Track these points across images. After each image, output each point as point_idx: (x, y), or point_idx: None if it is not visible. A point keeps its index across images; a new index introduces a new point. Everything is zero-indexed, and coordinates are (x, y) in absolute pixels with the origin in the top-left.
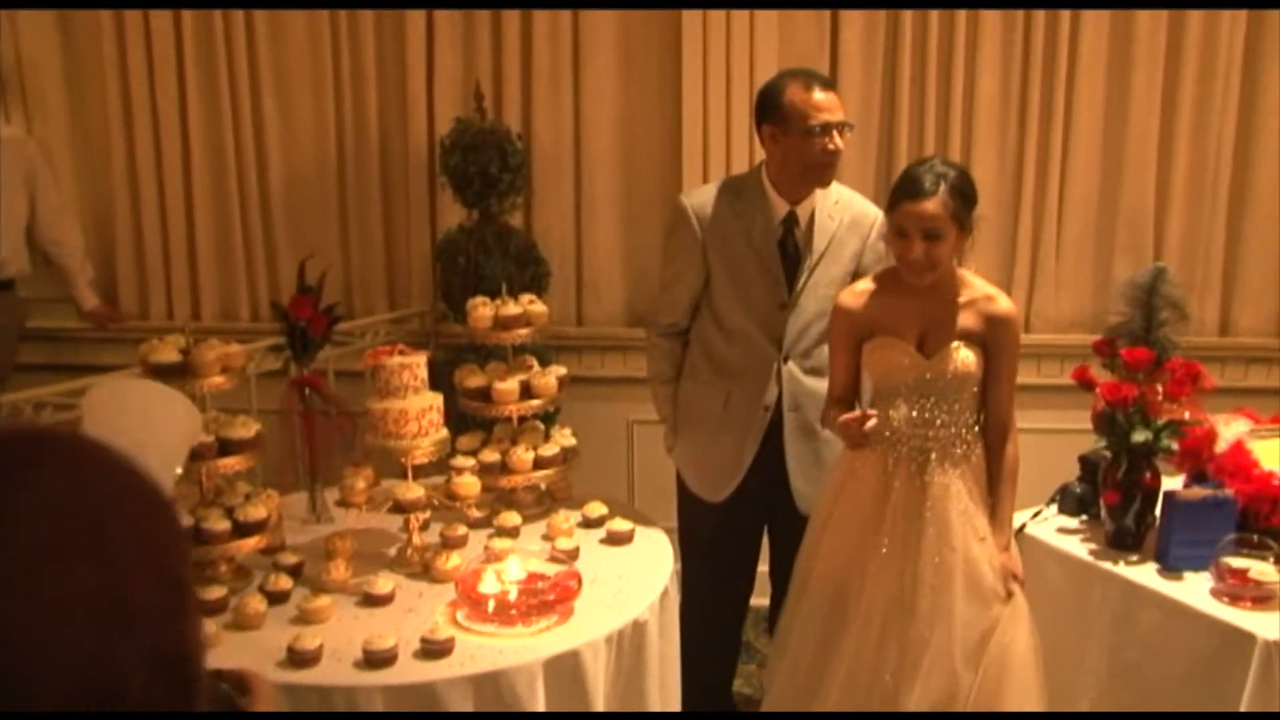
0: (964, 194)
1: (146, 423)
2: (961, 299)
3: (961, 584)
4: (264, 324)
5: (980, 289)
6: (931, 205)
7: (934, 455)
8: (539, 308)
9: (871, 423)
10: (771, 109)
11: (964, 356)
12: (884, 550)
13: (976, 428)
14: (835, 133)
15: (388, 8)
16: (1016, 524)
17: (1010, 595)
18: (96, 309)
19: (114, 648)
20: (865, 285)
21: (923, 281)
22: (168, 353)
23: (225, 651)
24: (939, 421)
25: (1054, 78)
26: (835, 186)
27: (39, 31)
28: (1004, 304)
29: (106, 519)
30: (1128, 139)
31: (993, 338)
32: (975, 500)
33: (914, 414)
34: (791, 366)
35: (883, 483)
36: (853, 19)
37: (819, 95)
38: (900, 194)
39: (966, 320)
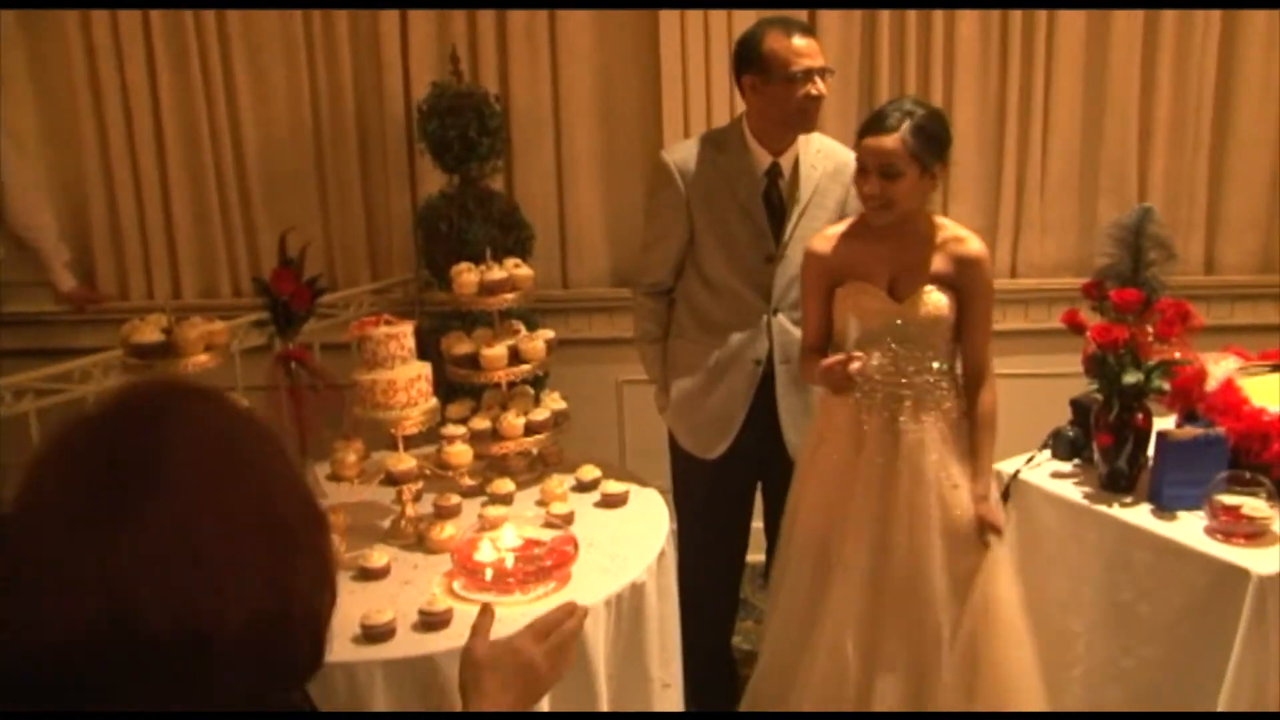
0: (929, 134)
1: None
2: (934, 241)
3: (938, 530)
4: (246, 299)
5: (951, 231)
6: (889, 141)
7: (907, 403)
8: (524, 271)
9: (855, 365)
10: (751, 58)
11: (935, 300)
12: (861, 500)
13: (951, 375)
14: (817, 78)
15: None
16: (1010, 470)
17: (987, 545)
18: (74, 291)
19: (287, 563)
20: (836, 230)
21: (879, 220)
22: (150, 333)
23: None
24: (911, 368)
25: (1034, 20)
26: (816, 135)
27: (3, 12)
28: (973, 245)
29: (250, 451)
30: (1109, 80)
31: (962, 280)
32: (950, 448)
33: (886, 360)
34: (781, 319)
35: (857, 431)
36: None
37: (799, 41)
38: (863, 129)
39: (938, 264)
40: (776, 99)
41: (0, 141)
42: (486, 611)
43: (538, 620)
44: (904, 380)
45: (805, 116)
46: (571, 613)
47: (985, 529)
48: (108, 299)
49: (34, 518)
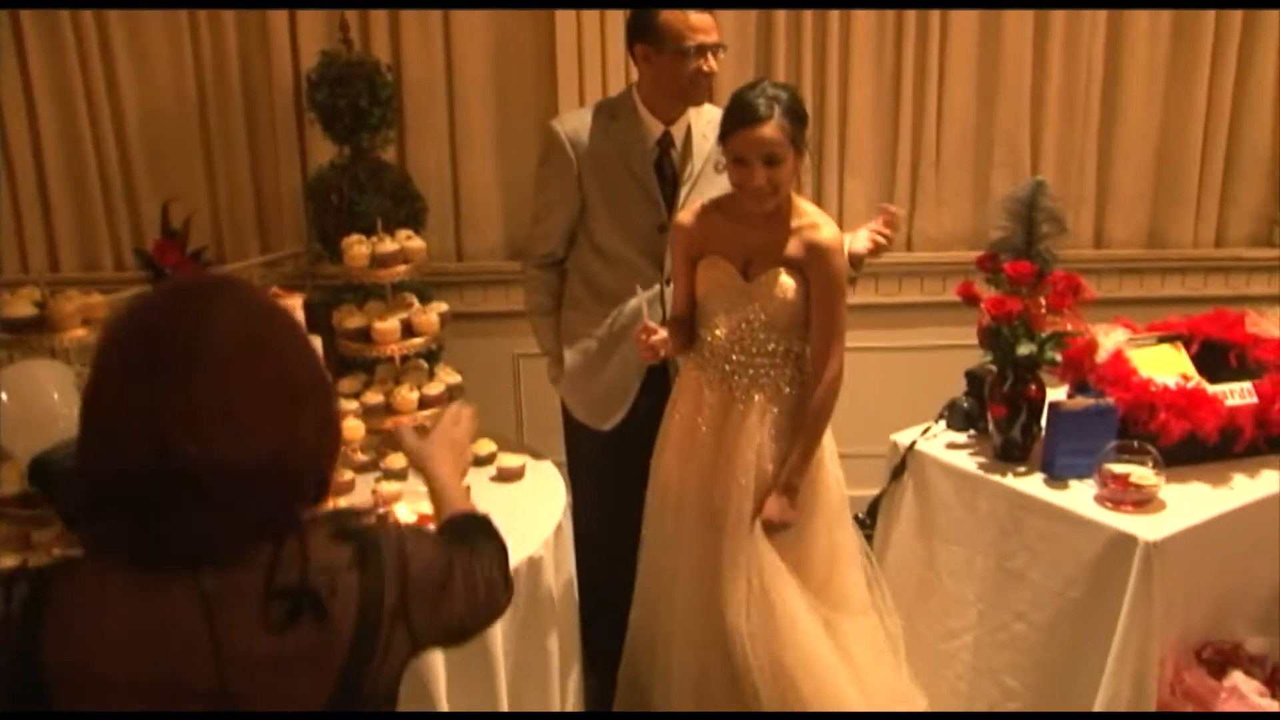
0: (797, 115)
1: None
2: (790, 225)
3: (749, 509)
4: (130, 272)
5: (809, 217)
6: (769, 130)
7: (744, 380)
8: (416, 244)
9: (657, 336)
10: (645, 29)
11: (783, 283)
12: (695, 466)
13: (797, 360)
14: (710, 54)
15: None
16: (905, 441)
17: (768, 530)
18: None
19: (297, 417)
20: (704, 204)
21: (765, 208)
22: (21, 306)
23: None
24: (753, 347)
25: None
26: (708, 107)
27: None
28: (825, 233)
29: (270, 329)
30: (1002, 56)
31: (810, 266)
32: (776, 431)
33: (729, 337)
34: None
35: (699, 401)
36: None
37: (694, 17)
38: (735, 121)
39: (791, 247)
40: (667, 70)
41: None
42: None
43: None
44: (743, 358)
45: (696, 90)
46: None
47: (754, 512)
48: None
49: (105, 380)
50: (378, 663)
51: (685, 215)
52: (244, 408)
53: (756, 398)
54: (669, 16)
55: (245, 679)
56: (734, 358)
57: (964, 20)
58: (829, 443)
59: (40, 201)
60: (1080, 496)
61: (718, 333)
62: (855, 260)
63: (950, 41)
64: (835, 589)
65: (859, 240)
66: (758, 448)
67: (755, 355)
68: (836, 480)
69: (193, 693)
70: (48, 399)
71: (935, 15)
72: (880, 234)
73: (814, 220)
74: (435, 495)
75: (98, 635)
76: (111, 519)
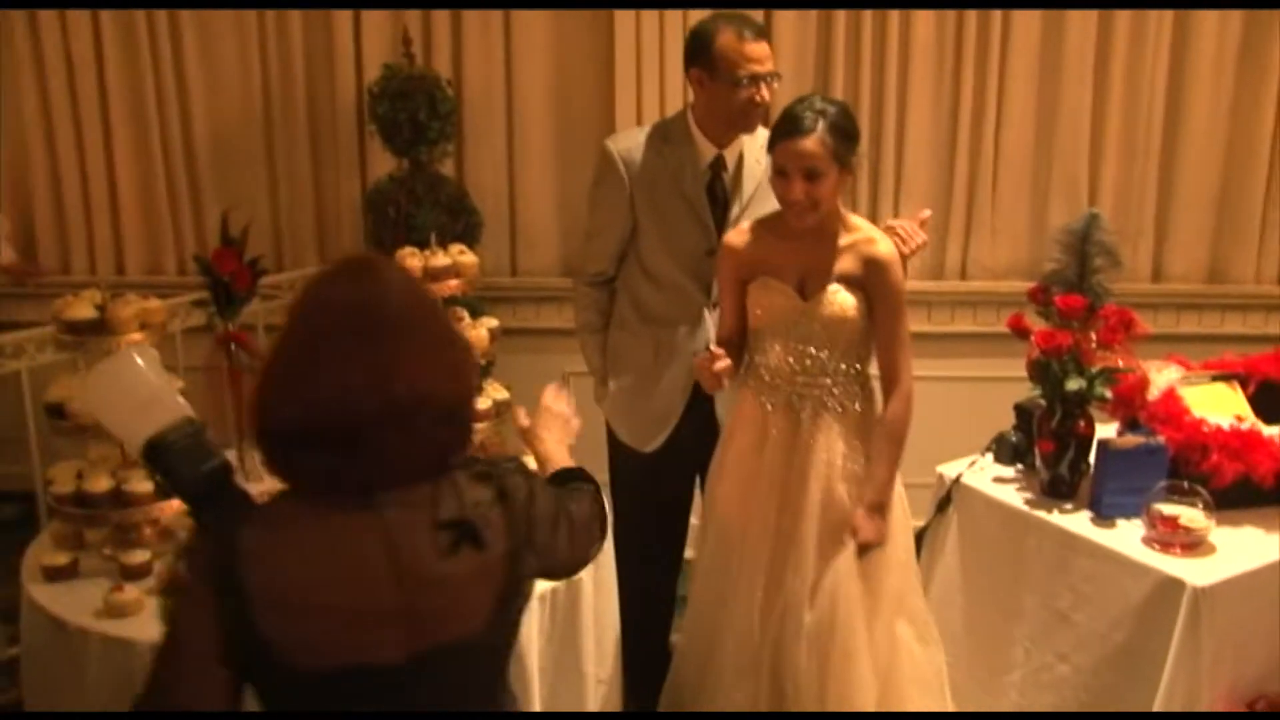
0: (844, 131)
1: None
2: (843, 242)
3: (819, 532)
4: (191, 278)
5: (863, 232)
6: (809, 143)
7: (809, 402)
8: (469, 259)
9: (720, 364)
10: (701, 53)
11: (842, 300)
12: (763, 495)
13: (861, 377)
14: (763, 83)
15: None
16: (952, 474)
17: (855, 547)
18: (13, 264)
19: (463, 364)
20: (750, 225)
21: (805, 223)
22: (83, 309)
23: (148, 618)
24: (816, 368)
25: (989, 22)
26: (762, 131)
27: None
28: (882, 247)
29: (425, 292)
30: (1062, 85)
31: (869, 282)
32: (848, 450)
33: (790, 359)
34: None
35: (762, 427)
36: None
37: (750, 46)
38: (779, 132)
39: (846, 263)
40: (720, 97)
41: None
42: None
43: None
44: (806, 379)
45: (747, 119)
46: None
47: (851, 530)
48: (48, 273)
49: (307, 340)
50: (519, 588)
51: (733, 236)
52: (430, 354)
53: (823, 418)
54: (724, 43)
55: (424, 599)
56: (797, 379)
57: (1024, 47)
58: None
59: (109, 205)
60: (1128, 537)
61: (778, 355)
62: None
63: (1010, 68)
64: (906, 609)
65: None
66: (828, 469)
67: (818, 375)
68: (902, 499)
69: (381, 612)
70: (152, 383)
71: (995, 40)
72: (903, 230)
73: (868, 235)
74: (542, 459)
75: (295, 565)
76: (319, 455)
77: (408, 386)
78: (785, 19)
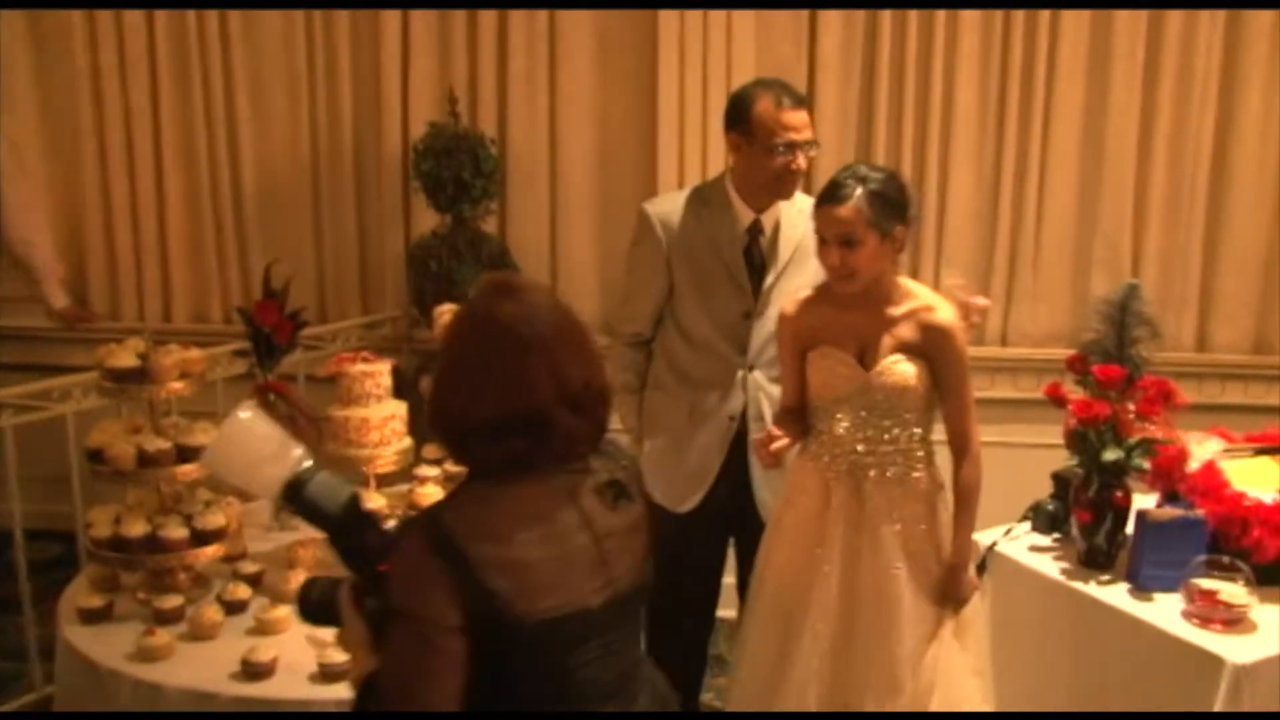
0: (885, 199)
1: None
2: (901, 310)
3: (898, 600)
4: (236, 326)
5: (922, 299)
6: (845, 211)
7: (873, 471)
8: None
9: (779, 444)
10: (739, 118)
11: (903, 370)
12: (826, 566)
13: (924, 444)
14: (799, 152)
15: (361, 7)
16: (987, 541)
17: (949, 613)
18: (66, 309)
19: (600, 357)
20: (808, 294)
21: (846, 289)
22: (125, 358)
23: (178, 663)
24: (878, 436)
25: (1031, 90)
26: (800, 195)
27: (9, 27)
28: (942, 315)
29: (562, 302)
30: (1105, 153)
31: (931, 349)
32: (915, 518)
33: (852, 428)
34: (757, 376)
35: (824, 496)
36: (831, 26)
37: (788, 114)
38: (820, 199)
39: (905, 331)
40: (756, 162)
41: (3, 159)
42: None
43: None
44: (868, 447)
45: (782, 185)
46: None
47: (947, 598)
48: (99, 318)
49: (479, 349)
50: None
51: (790, 305)
52: (579, 349)
53: (886, 487)
54: (762, 110)
55: (609, 545)
56: (859, 448)
57: (1067, 111)
58: None
59: (159, 254)
60: (1166, 611)
61: (840, 424)
62: None
63: (1053, 134)
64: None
65: None
66: (900, 535)
67: (881, 444)
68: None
69: (582, 560)
70: (276, 434)
71: (1038, 105)
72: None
73: (928, 302)
74: None
75: (505, 529)
76: (512, 441)
77: (578, 378)
78: (826, 81)
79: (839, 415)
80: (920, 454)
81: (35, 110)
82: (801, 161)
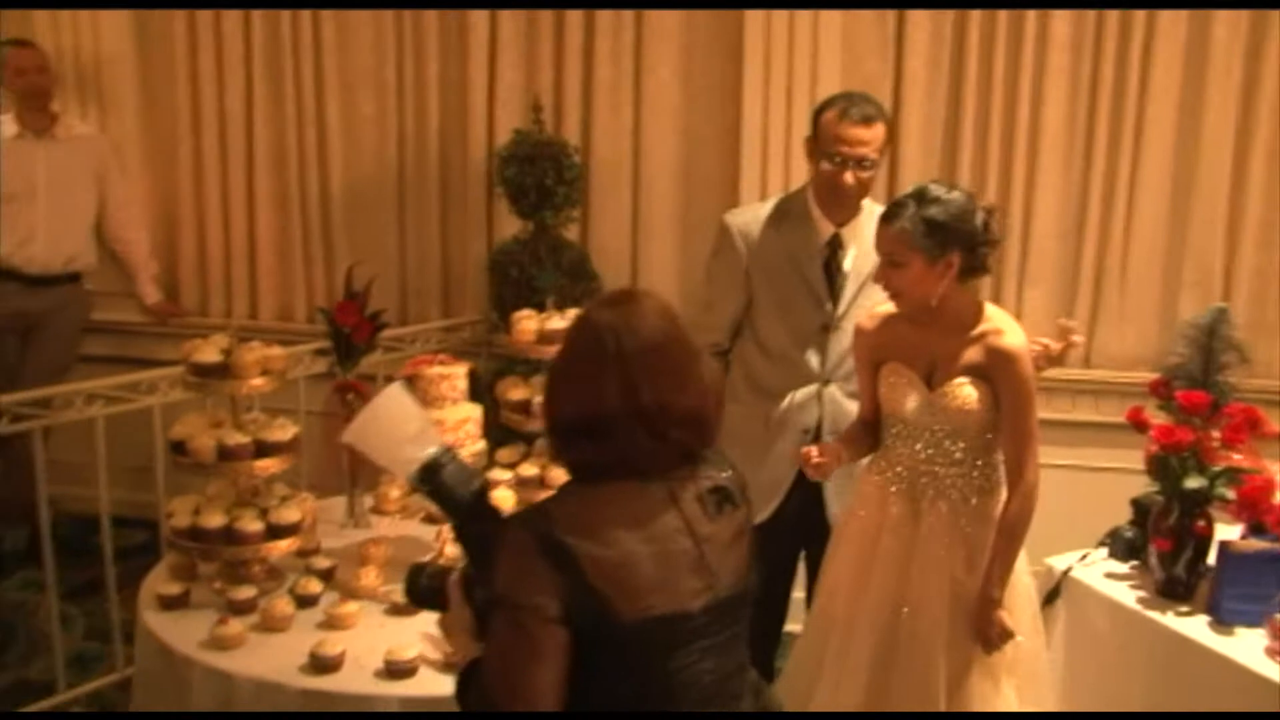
0: (937, 223)
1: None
2: (973, 332)
3: (943, 621)
4: (319, 326)
5: (994, 323)
6: (891, 230)
7: (931, 492)
8: None
9: (819, 459)
10: (812, 126)
11: (965, 394)
12: (876, 579)
13: (984, 469)
14: (855, 168)
15: (449, 7)
16: (1061, 566)
17: (987, 648)
18: (158, 304)
19: (704, 384)
20: (884, 309)
21: (900, 308)
22: (210, 353)
23: (248, 652)
24: (939, 457)
25: (1123, 107)
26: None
27: (116, 32)
28: (1008, 340)
29: (675, 321)
30: (1198, 172)
31: (993, 372)
32: (967, 541)
33: (915, 446)
34: (833, 389)
35: (883, 509)
36: (918, 42)
37: (849, 128)
38: (880, 216)
39: (973, 354)
40: (818, 170)
41: (106, 159)
42: None
43: None
44: (929, 467)
45: (835, 197)
46: None
47: (982, 634)
48: (188, 314)
49: (588, 356)
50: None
51: (867, 320)
52: (672, 373)
53: (943, 508)
54: (826, 119)
55: (711, 550)
56: (920, 467)
57: (1159, 128)
58: (1021, 554)
59: (248, 254)
60: (1249, 646)
61: (903, 442)
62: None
63: (1143, 152)
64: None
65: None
66: (949, 559)
67: (941, 464)
68: (1028, 591)
69: (684, 562)
70: (421, 415)
71: (1129, 123)
72: (1047, 348)
73: (997, 326)
74: None
75: (609, 529)
76: (593, 445)
77: (651, 398)
78: (913, 95)
79: (903, 432)
80: (979, 480)
81: (136, 113)
82: (849, 178)
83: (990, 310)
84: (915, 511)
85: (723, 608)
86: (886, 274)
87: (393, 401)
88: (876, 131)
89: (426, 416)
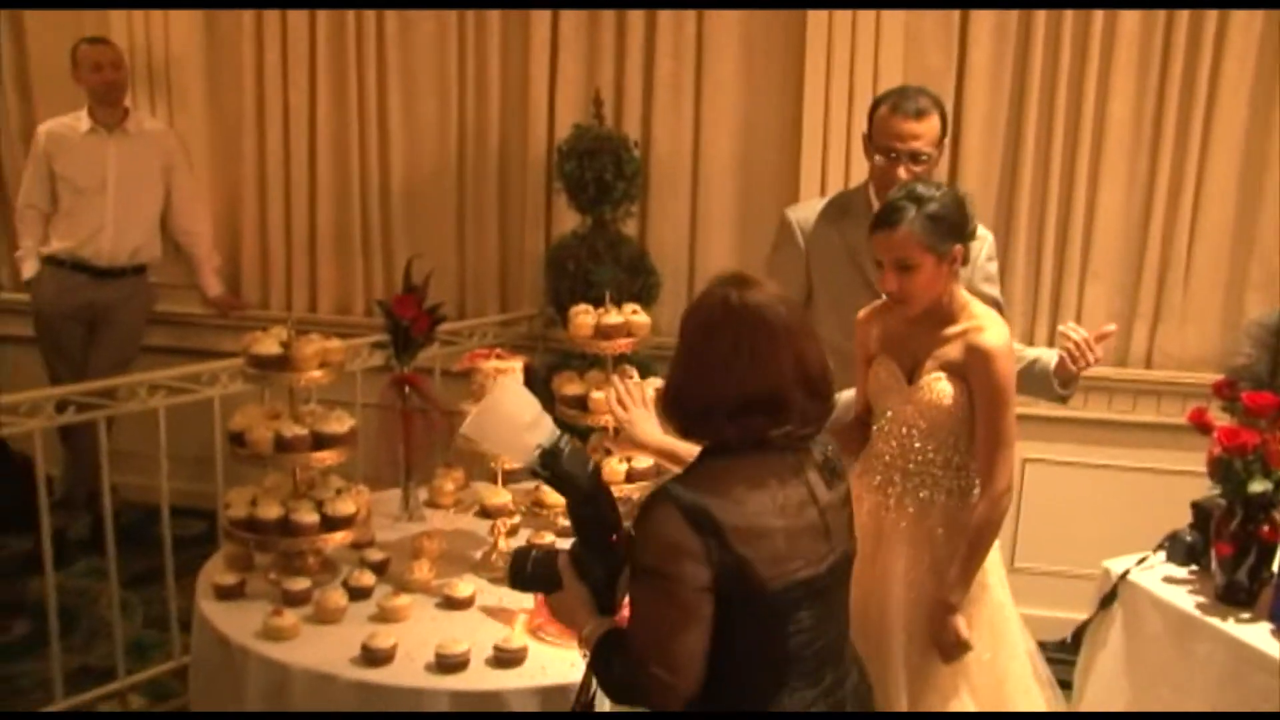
0: (940, 219)
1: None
2: (956, 328)
3: (893, 628)
4: (377, 319)
5: (976, 319)
6: (899, 235)
7: (898, 489)
8: (641, 318)
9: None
10: (868, 121)
11: (939, 389)
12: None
13: (958, 469)
14: (907, 162)
15: (512, 7)
16: (1119, 569)
17: (944, 657)
18: (220, 297)
19: (824, 360)
20: (881, 302)
21: (905, 313)
22: (269, 345)
23: (301, 644)
24: (914, 455)
25: (1191, 105)
26: None
27: (186, 30)
28: (987, 337)
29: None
30: (1267, 170)
31: (968, 370)
32: (933, 542)
33: (893, 441)
34: None
35: (860, 504)
36: (981, 37)
37: (900, 121)
38: (874, 222)
39: (952, 350)
40: (871, 165)
41: (173, 154)
42: None
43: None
44: (903, 463)
45: (882, 189)
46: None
47: (936, 639)
48: (249, 306)
49: (728, 338)
50: None
51: (864, 312)
52: (810, 340)
53: (910, 508)
54: (880, 114)
55: (831, 517)
56: (896, 462)
57: (1228, 126)
58: (995, 565)
59: (308, 247)
60: None
61: (883, 434)
62: (1061, 378)
63: (1211, 149)
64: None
65: (1052, 354)
66: (913, 561)
67: (913, 462)
68: (997, 603)
69: (812, 529)
70: (536, 403)
71: (1198, 117)
72: (1075, 347)
73: (979, 323)
74: (669, 452)
75: (749, 500)
76: (754, 419)
77: (812, 361)
78: (977, 93)
79: (884, 428)
80: (951, 482)
81: (203, 108)
82: (902, 172)
83: (976, 307)
84: (883, 509)
85: (838, 569)
86: (898, 280)
87: (509, 393)
88: (929, 124)
89: (539, 405)
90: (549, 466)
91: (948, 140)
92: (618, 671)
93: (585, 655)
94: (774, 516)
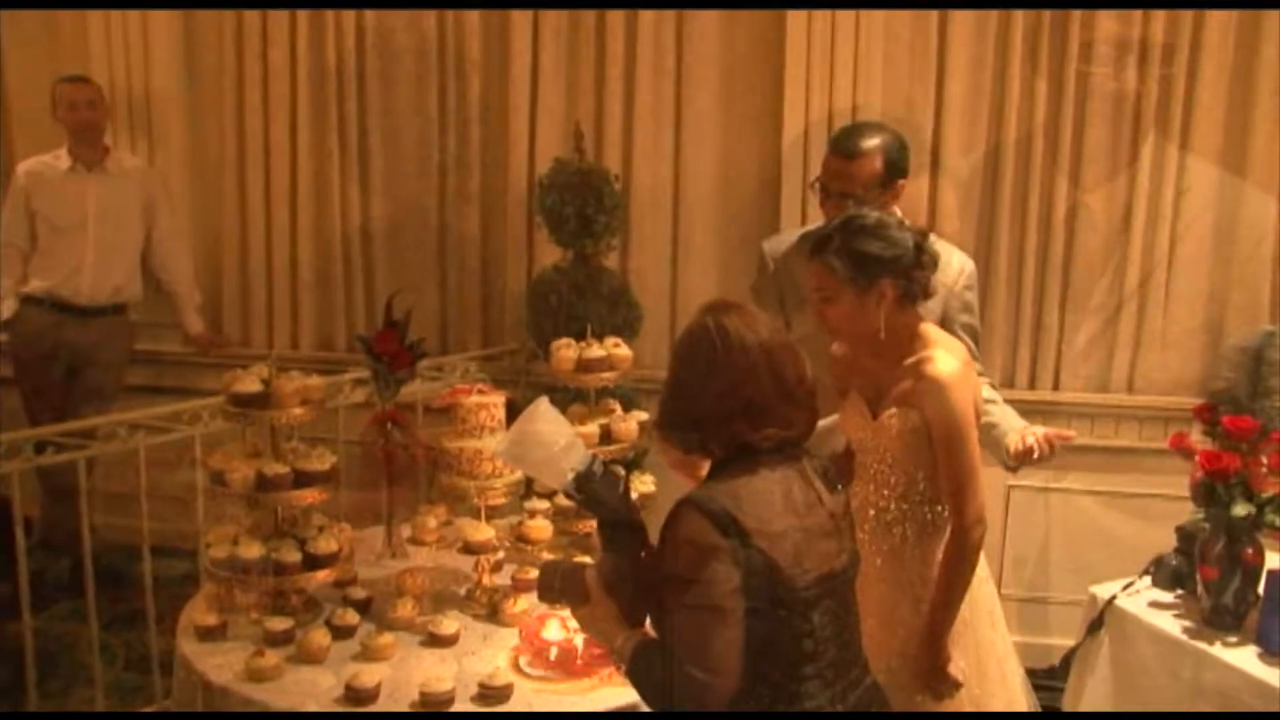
0: (862, 254)
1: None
2: (910, 360)
3: (878, 663)
4: (359, 355)
5: (929, 349)
6: (813, 267)
7: (869, 524)
8: (623, 352)
9: None
10: None
11: (897, 424)
12: None
13: (920, 505)
14: (835, 199)
15: (492, 7)
16: (1105, 595)
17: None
18: (201, 334)
19: (807, 364)
20: None
21: (844, 344)
22: (250, 383)
23: (285, 684)
24: (882, 490)
25: (1168, 125)
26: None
27: (166, 67)
28: (935, 367)
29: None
30: (1244, 189)
31: (919, 401)
32: (913, 588)
33: (865, 481)
34: None
35: None
36: (959, 65)
37: (831, 158)
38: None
39: (905, 383)
40: None
41: (154, 192)
42: None
43: None
44: (871, 499)
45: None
46: None
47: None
48: (230, 343)
49: (740, 353)
50: None
51: (837, 346)
52: (793, 354)
53: (884, 545)
54: (830, 145)
55: (835, 520)
56: (870, 499)
57: (1203, 147)
58: (984, 598)
59: (289, 284)
60: None
61: (858, 475)
62: (1012, 460)
63: (1188, 173)
64: None
65: (1011, 435)
66: (884, 601)
67: (881, 497)
68: (976, 643)
69: (826, 528)
70: (569, 428)
71: (1173, 142)
72: (1037, 440)
73: (930, 353)
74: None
75: (766, 504)
76: (737, 426)
77: (789, 373)
78: (954, 121)
79: (859, 463)
80: (920, 518)
81: (183, 145)
82: (831, 209)
83: (932, 334)
84: (861, 544)
85: (850, 570)
86: (820, 310)
87: (542, 419)
88: (861, 165)
89: (571, 429)
90: (583, 489)
91: (926, 164)
92: (657, 677)
93: (620, 668)
94: (788, 516)
